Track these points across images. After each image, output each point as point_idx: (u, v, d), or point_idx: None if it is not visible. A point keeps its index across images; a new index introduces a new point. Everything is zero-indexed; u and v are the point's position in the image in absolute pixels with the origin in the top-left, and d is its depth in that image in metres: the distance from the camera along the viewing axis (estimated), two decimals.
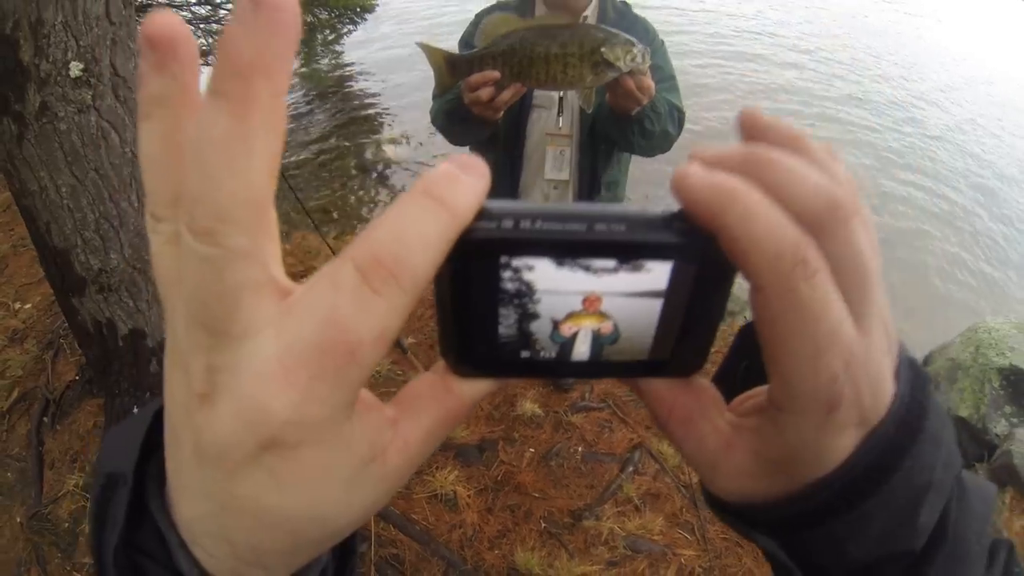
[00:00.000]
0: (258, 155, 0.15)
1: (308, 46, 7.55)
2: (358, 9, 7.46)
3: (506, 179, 1.80)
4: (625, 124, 1.52)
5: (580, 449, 2.47)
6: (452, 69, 1.39)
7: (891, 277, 6.52)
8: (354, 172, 6.01)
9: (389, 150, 6.23)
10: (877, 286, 0.19)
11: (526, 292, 0.19)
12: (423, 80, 6.85)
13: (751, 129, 0.20)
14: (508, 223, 0.18)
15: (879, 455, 0.20)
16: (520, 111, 1.68)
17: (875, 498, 0.20)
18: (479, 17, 1.70)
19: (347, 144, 6.45)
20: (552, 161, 1.75)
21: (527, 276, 0.19)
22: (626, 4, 1.74)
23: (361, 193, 5.74)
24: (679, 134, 1.70)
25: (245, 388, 0.16)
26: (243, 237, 0.15)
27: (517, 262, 0.18)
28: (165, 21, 0.16)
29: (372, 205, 5.60)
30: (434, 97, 1.61)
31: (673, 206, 0.19)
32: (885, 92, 11.20)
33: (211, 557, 0.19)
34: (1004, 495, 3.52)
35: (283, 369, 0.16)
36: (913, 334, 5.42)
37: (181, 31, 0.16)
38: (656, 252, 0.19)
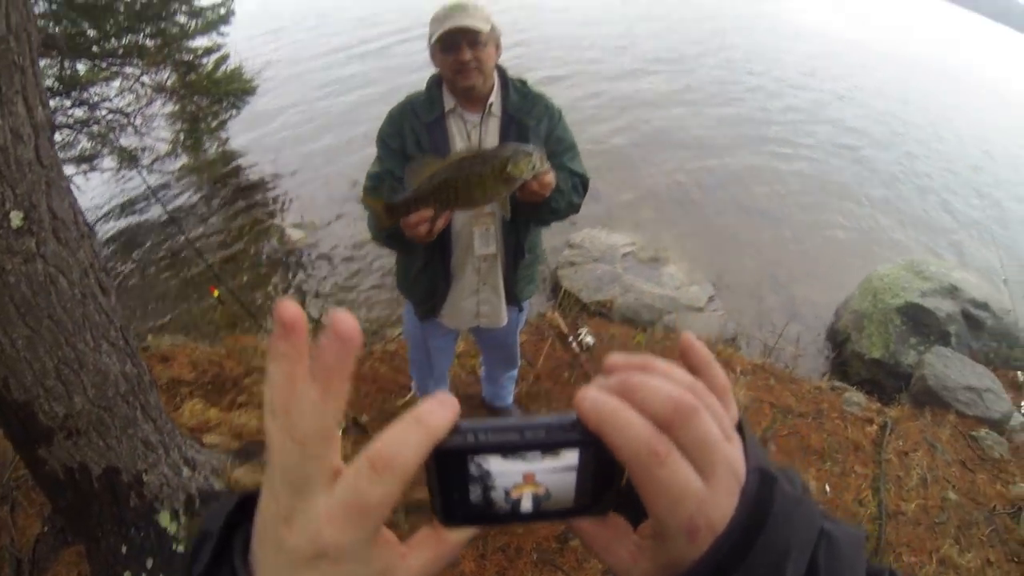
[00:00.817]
0: (331, 412, 0.27)
1: (193, 136, 7.35)
2: (239, 93, 7.43)
3: (438, 258, 1.94)
4: (536, 208, 1.76)
5: None
6: (390, 212, 1.58)
7: (794, 248, 7.01)
8: (264, 262, 5.93)
9: (293, 234, 6.19)
10: (721, 450, 0.29)
11: (485, 475, 0.29)
12: (312, 158, 7.11)
13: (684, 353, 0.34)
14: (470, 437, 0.29)
15: (723, 556, 0.28)
16: None
17: (738, 571, 0.28)
18: (392, 114, 1.86)
19: (250, 234, 6.34)
20: (480, 239, 1.94)
21: (485, 465, 0.29)
22: (524, 83, 1.90)
23: (276, 281, 5.68)
24: (583, 198, 1.93)
25: (310, 522, 0.27)
26: (319, 448, 0.27)
27: (478, 458, 0.29)
28: (293, 311, 0.27)
29: (286, 291, 5.53)
30: (372, 229, 1.83)
31: (574, 415, 0.29)
32: (761, 86, 12.22)
33: None
34: (925, 414, 3.96)
35: (329, 516, 0.27)
36: (822, 296, 6.00)
37: (300, 317, 0.27)
38: (566, 445, 0.29)
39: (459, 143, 1.85)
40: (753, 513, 0.28)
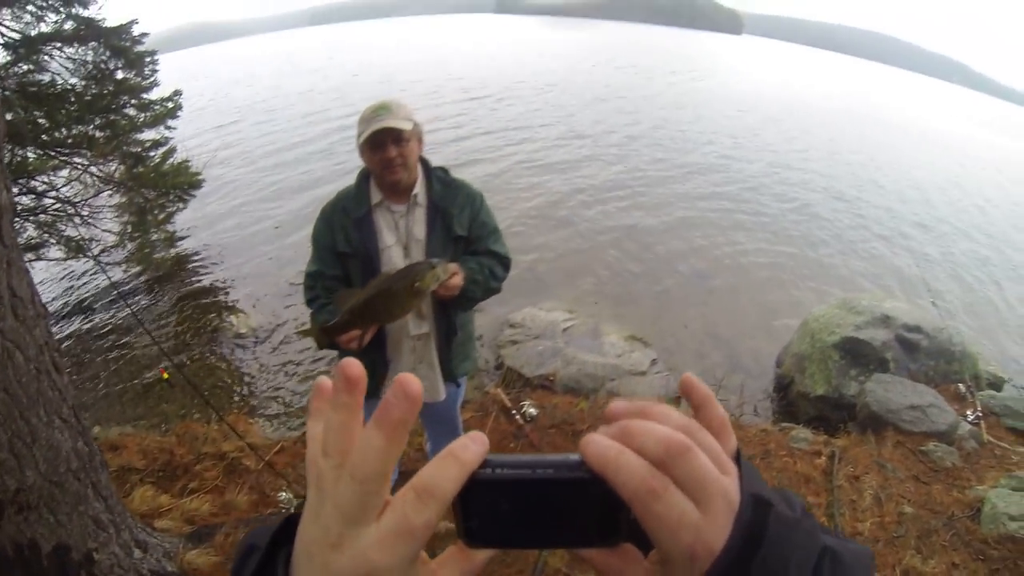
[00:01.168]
0: (390, 456, 0.31)
1: (140, 228, 7.41)
2: (185, 187, 7.55)
3: (375, 342, 1.99)
4: (455, 301, 1.93)
5: None
6: (325, 335, 1.83)
7: (731, 303, 7.17)
8: (213, 349, 5.89)
9: (239, 322, 6.18)
10: (714, 481, 0.31)
11: (507, 503, 0.33)
12: (257, 247, 7.46)
13: (686, 391, 0.37)
14: (500, 470, 0.32)
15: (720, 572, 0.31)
16: None
17: None
18: (324, 212, 2.01)
19: (199, 324, 6.32)
20: (413, 321, 2.05)
21: (504, 494, 0.33)
22: (446, 171, 2.04)
23: (223, 365, 5.62)
24: (506, 276, 2.09)
25: (360, 548, 0.30)
26: (375, 486, 0.31)
27: (499, 489, 0.32)
28: (356, 369, 0.32)
29: (241, 377, 5.44)
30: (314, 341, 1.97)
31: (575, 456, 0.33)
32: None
33: None
34: (869, 438, 3.94)
35: (379, 541, 0.30)
36: (764, 347, 6.10)
37: (361, 375, 0.32)
38: (574, 483, 0.32)
39: (387, 235, 1.97)
40: (747, 536, 0.31)
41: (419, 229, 1.95)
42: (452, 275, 1.78)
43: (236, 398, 5.15)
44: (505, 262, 2.06)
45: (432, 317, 2.06)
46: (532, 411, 3.90)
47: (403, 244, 1.96)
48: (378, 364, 2.08)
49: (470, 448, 0.32)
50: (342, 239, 1.93)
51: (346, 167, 10.54)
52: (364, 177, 1.98)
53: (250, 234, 8.50)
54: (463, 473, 0.31)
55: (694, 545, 0.30)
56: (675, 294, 7.08)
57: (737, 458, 0.35)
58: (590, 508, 0.33)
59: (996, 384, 5.41)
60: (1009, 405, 4.68)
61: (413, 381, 0.31)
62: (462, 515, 0.33)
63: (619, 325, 5.90)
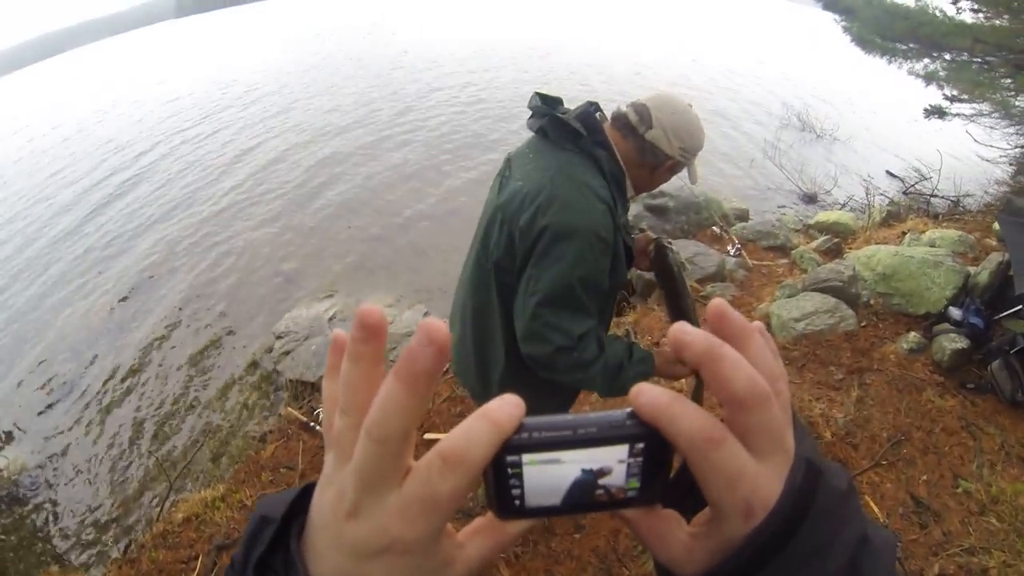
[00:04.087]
0: (414, 412, 0.27)
1: None
2: None
3: None
4: None
5: None
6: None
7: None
8: None
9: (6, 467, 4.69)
10: (783, 438, 0.30)
11: (540, 470, 0.30)
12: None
13: (715, 319, 0.31)
14: (525, 435, 0.29)
15: (767, 537, 0.29)
16: None
17: (779, 557, 0.29)
18: (600, 227, 1.42)
19: None
20: None
21: (539, 460, 0.30)
22: None
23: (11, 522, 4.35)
24: None
25: (377, 517, 0.28)
26: (396, 446, 0.27)
27: (533, 455, 0.29)
28: (377, 315, 0.28)
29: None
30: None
31: (626, 410, 0.30)
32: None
33: None
34: (652, 305, 3.91)
35: (400, 511, 0.28)
36: None
37: (382, 322, 0.29)
38: (618, 440, 0.30)
39: None
40: (797, 501, 0.29)
41: None
42: None
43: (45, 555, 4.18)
44: None
45: None
46: None
47: None
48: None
49: (504, 409, 0.28)
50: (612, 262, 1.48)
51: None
52: (622, 171, 1.51)
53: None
54: (497, 437, 0.28)
55: (751, 499, 0.29)
56: (423, 241, 7.02)
57: (793, 416, 0.32)
58: (635, 466, 0.31)
59: (742, 215, 5.92)
60: (759, 230, 5.10)
61: (440, 327, 0.27)
62: (494, 484, 0.31)
63: (384, 293, 5.46)
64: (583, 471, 0.30)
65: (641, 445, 0.30)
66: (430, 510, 0.27)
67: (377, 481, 0.27)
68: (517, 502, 0.31)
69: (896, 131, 11.43)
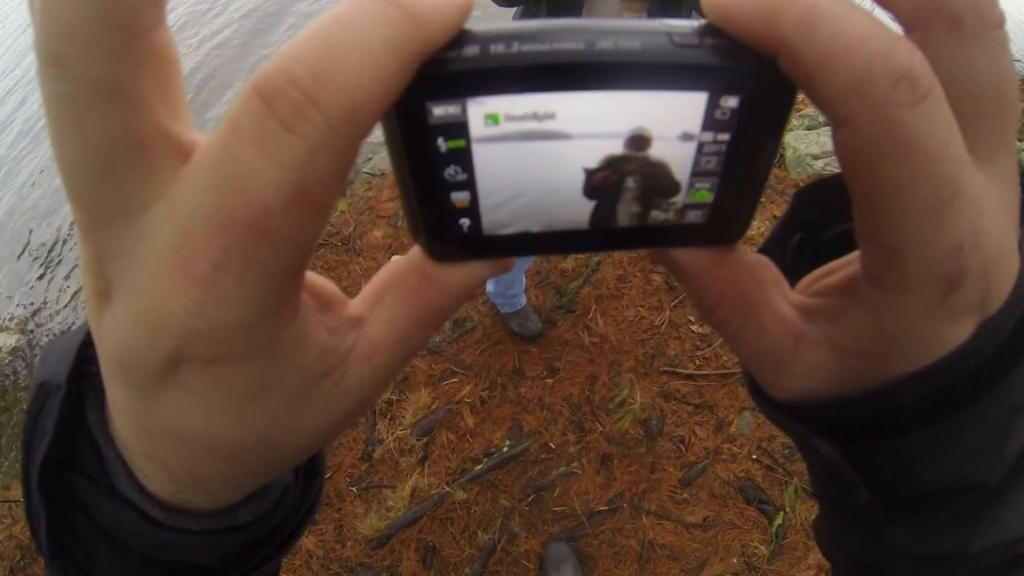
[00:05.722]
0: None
1: None
2: None
3: None
4: None
5: None
6: None
7: None
8: None
9: None
10: (1013, 120, 0.14)
11: (514, 150, 0.14)
12: None
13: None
14: (498, 49, 0.13)
15: (994, 353, 0.15)
16: None
17: (977, 407, 0.15)
18: None
19: None
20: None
21: (512, 113, 0.13)
22: None
23: None
24: None
25: (138, 285, 0.13)
26: (101, 66, 0.11)
27: (494, 100, 0.13)
28: None
29: None
30: None
31: (696, 20, 0.13)
32: None
33: (147, 478, 0.17)
34: None
35: (179, 259, 0.12)
36: None
37: None
38: (685, 80, 0.13)
39: None
40: None
41: None
42: None
43: None
44: None
45: None
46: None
47: None
48: None
49: None
50: None
51: None
52: None
53: None
54: (411, 43, 0.12)
55: (968, 252, 0.14)
56: None
57: None
58: (714, 145, 0.14)
59: None
60: None
61: None
62: (414, 177, 0.14)
63: None
64: (602, 151, 0.14)
65: (733, 102, 0.13)
66: (243, 245, 0.11)
67: (96, 183, 0.12)
68: (463, 220, 0.15)
69: None
